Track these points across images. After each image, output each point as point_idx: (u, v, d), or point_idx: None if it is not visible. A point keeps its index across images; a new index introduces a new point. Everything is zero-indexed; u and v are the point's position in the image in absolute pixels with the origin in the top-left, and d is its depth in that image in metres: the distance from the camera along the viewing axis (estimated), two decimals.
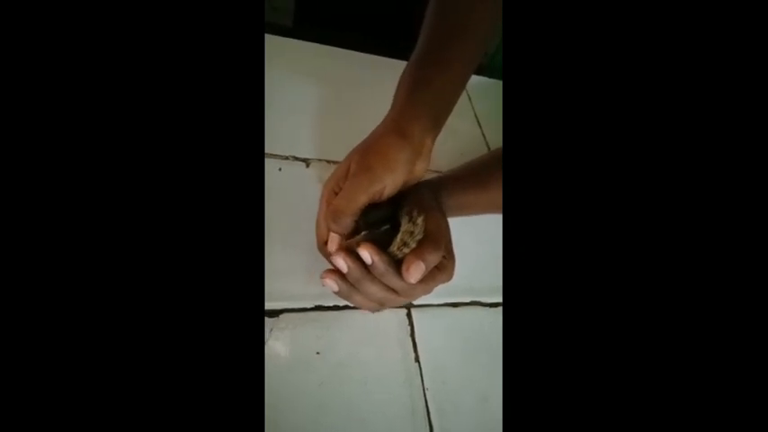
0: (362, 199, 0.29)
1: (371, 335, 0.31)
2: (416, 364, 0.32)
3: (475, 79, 0.60)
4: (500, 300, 0.38)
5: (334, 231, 0.29)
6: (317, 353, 0.30)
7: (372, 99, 0.49)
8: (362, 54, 0.54)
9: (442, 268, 0.29)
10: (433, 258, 0.27)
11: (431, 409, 0.31)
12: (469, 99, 0.57)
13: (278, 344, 0.30)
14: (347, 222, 0.29)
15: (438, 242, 0.28)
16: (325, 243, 0.30)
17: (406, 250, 0.27)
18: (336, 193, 0.30)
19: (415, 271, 0.26)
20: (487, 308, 0.38)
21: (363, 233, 0.30)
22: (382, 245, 0.27)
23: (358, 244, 0.27)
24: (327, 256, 0.31)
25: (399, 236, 0.27)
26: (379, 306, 0.30)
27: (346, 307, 0.33)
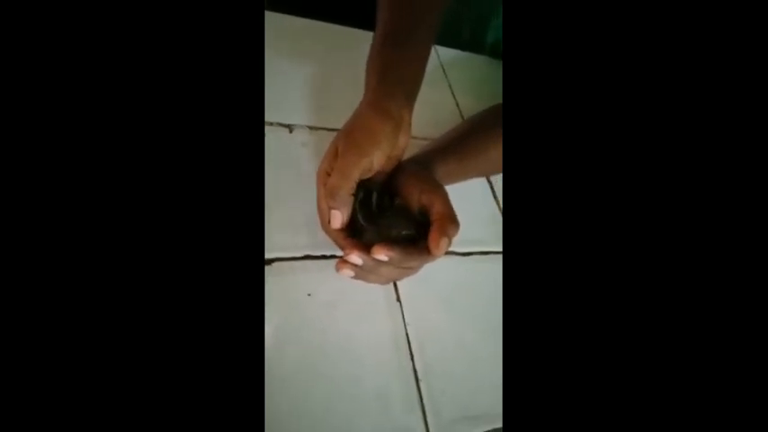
0: (355, 174, 0.31)
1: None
2: (398, 303, 0.36)
3: (449, 52, 0.63)
4: (470, 250, 0.42)
5: (333, 208, 0.31)
6: (309, 294, 0.34)
7: (347, 70, 0.52)
8: (337, 26, 0.56)
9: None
10: (454, 232, 0.30)
11: (411, 341, 0.35)
12: (444, 71, 0.60)
13: (272, 287, 0.33)
14: (345, 198, 0.31)
15: (455, 216, 0.31)
16: (329, 222, 0.32)
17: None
18: (329, 174, 0.32)
19: (443, 245, 0.29)
20: (460, 257, 0.42)
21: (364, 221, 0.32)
22: (385, 225, 0.31)
23: (372, 248, 0.29)
24: (331, 234, 0.33)
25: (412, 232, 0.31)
26: (392, 281, 0.33)
27: (333, 256, 0.37)
